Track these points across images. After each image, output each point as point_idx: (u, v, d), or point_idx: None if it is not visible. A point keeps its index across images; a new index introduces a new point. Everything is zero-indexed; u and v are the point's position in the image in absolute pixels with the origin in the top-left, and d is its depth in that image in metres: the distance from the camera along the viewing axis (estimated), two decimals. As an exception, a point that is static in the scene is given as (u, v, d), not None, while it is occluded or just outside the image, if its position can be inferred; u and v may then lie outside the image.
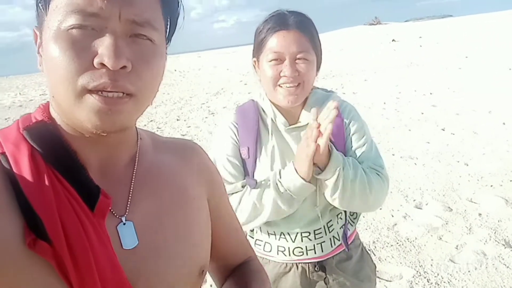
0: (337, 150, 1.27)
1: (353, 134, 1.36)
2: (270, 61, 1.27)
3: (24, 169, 0.56)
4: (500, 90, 8.25)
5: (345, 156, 1.31)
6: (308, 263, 1.39)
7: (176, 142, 0.82)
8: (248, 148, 1.33)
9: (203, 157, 0.84)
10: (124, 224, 0.64)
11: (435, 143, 5.47)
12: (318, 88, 1.41)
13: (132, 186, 0.67)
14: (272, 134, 1.34)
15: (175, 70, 21.45)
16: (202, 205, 0.77)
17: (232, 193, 1.31)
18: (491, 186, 4.00)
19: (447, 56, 15.09)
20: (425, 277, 2.72)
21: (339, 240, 1.40)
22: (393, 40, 25.91)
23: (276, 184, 1.26)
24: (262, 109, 1.39)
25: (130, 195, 0.67)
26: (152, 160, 0.73)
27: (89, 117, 0.56)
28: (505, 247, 2.96)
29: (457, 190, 4.00)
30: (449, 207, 3.65)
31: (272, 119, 1.35)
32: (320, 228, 1.36)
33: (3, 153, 0.58)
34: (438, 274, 2.74)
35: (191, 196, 0.75)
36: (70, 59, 0.54)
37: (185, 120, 8.64)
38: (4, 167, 0.56)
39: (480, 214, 3.47)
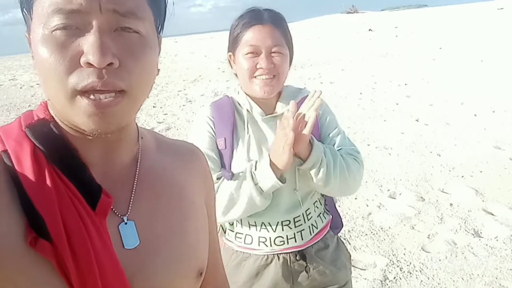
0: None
1: (327, 125, 1.45)
2: (247, 54, 1.33)
3: (26, 167, 0.56)
4: (472, 81, 8.47)
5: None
6: (289, 253, 1.42)
7: (179, 144, 0.82)
8: (225, 139, 1.37)
9: (203, 161, 0.84)
10: (126, 223, 0.64)
11: (409, 133, 5.59)
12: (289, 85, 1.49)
13: (134, 185, 0.67)
14: (247, 125, 1.39)
15: (151, 56, 20.94)
16: (200, 208, 0.77)
17: None
18: (462, 176, 4.13)
19: (422, 46, 15.32)
20: (398, 266, 2.81)
21: (317, 228, 1.45)
22: (369, 30, 26.07)
23: (251, 175, 1.30)
24: (238, 102, 1.43)
25: (133, 194, 0.66)
26: (155, 159, 0.73)
27: (83, 121, 0.56)
28: (474, 237, 3.08)
29: (429, 180, 4.11)
30: (421, 197, 3.75)
31: (248, 110, 1.40)
32: (299, 216, 1.40)
33: (5, 151, 0.57)
34: (410, 263, 2.83)
35: (191, 199, 0.75)
36: (57, 61, 0.54)
37: (161, 107, 8.53)
38: (6, 165, 0.56)
39: (451, 204, 3.58)
